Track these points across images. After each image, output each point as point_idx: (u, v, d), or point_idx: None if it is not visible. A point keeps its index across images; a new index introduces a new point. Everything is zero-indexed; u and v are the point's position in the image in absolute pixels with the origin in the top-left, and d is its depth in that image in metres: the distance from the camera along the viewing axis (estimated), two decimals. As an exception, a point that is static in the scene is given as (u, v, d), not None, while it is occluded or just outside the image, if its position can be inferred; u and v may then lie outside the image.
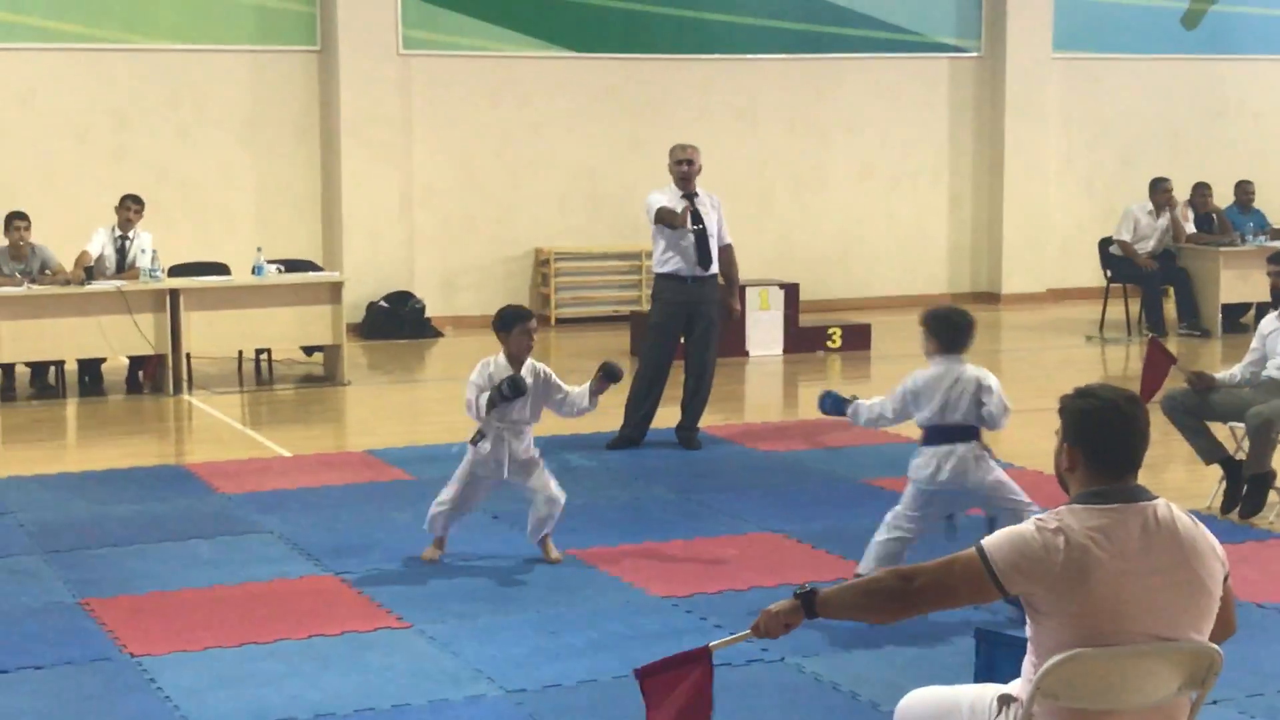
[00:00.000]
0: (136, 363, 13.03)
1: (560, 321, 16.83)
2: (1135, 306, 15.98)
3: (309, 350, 13.90)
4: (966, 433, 6.83)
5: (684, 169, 10.27)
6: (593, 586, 7.21)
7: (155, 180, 15.54)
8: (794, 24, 17.78)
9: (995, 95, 18.52)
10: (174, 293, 12.60)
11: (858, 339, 15.03)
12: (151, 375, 12.94)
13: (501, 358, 7.66)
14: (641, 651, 6.23)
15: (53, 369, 12.99)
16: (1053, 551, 3.74)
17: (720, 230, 10.36)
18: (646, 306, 16.43)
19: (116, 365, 13.21)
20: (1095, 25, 18.92)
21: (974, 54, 18.55)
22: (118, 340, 12.52)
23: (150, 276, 12.66)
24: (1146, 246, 15.78)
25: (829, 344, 14.87)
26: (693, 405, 10.44)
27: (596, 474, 9.66)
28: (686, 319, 10.26)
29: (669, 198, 10.22)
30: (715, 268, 10.27)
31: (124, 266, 13.01)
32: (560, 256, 16.89)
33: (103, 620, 6.74)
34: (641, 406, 10.39)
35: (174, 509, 8.76)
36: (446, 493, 7.68)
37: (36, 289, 12.37)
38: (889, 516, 6.93)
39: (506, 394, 7.47)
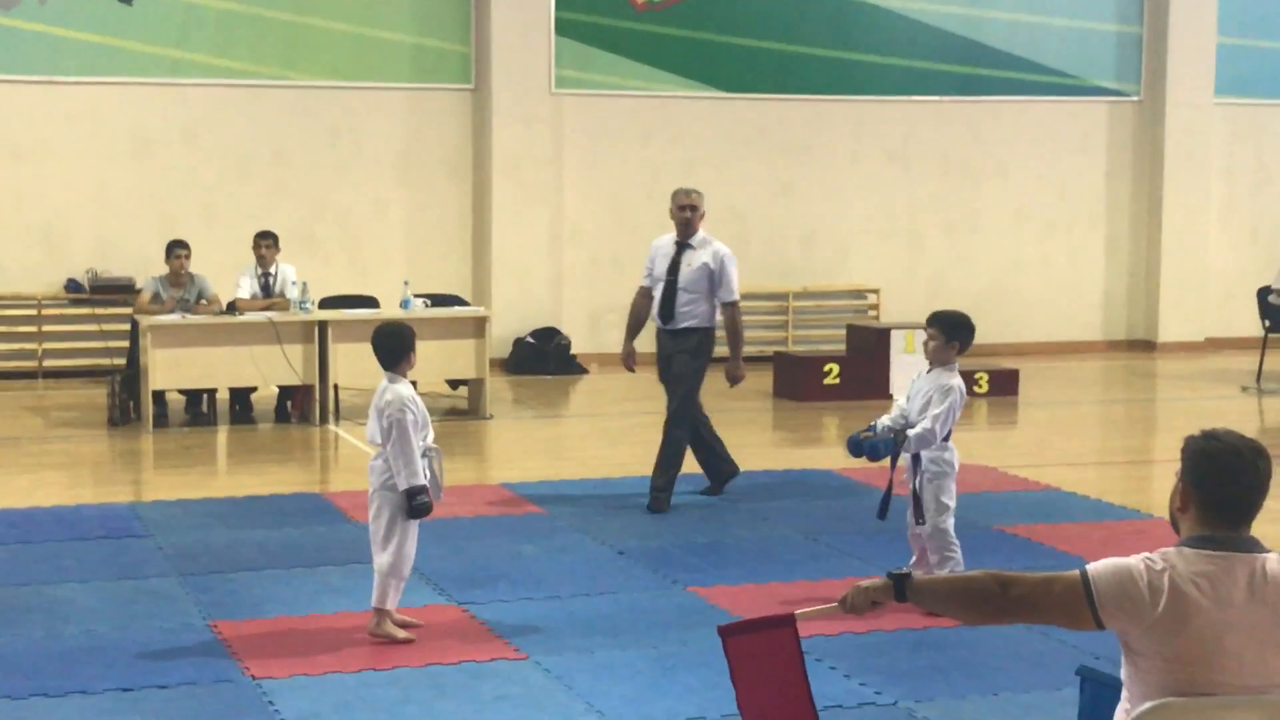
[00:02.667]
0: (286, 392, 13.29)
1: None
2: (1294, 357, 15.59)
3: (454, 384, 14.08)
4: None
5: (685, 215, 9.69)
6: (711, 624, 7.11)
7: (311, 214, 15.91)
8: (949, 65, 17.67)
9: (1154, 140, 18.22)
10: (322, 324, 12.85)
11: (1005, 385, 14.84)
12: (299, 405, 13.19)
13: (409, 387, 7.01)
14: (754, 691, 6.21)
15: (205, 397, 13.32)
16: (1156, 593, 3.66)
17: (723, 286, 9.69)
18: (793, 348, 16.43)
19: (267, 395, 13.49)
20: (1258, 70, 18.56)
21: (1134, 98, 18.28)
22: (268, 370, 12.78)
23: (300, 308, 12.92)
24: (1306, 296, 15.39)
25: (976, 389, 14.68)
26: (661, 457, 9.75)
27: (723, 512, 9.65)
28: (663, 369, 9.85)
29: (665, 244, 9.80)
30: (687, 322, 9.61)
31: (270, 302, 13.31)
32: (707, 296, 16.88)
33: (229, 643, 6.88)
34: (700, 453, 10.06)
35: (309, 537, 8.92)
36: (409, 564, 7.03)
37: (191, 318, 12.69)
38: (948, 524, 7.48)
39: (418, 512, 6.88)
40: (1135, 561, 3.73)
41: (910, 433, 7.36)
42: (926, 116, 17.68)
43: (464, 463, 11.69)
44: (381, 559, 6.90)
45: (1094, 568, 3.76)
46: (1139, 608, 3.67)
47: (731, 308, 9.77)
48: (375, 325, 7.26)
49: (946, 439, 7.45)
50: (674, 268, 9.63)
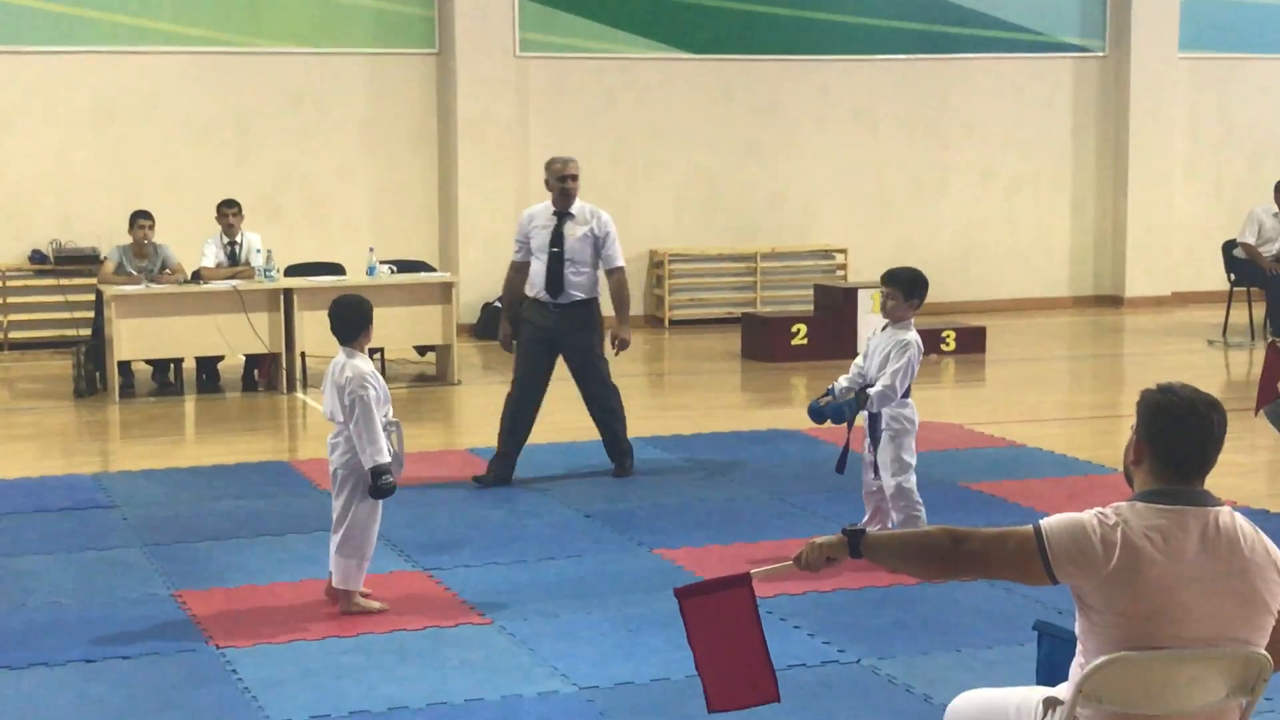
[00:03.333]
0: (253, 361, 13.25)
1: (674, 323, 16.86)
2: (1259, 311, 15.64)
3: (422, 350, 14.07)
4: None
5: (567, 185, 9.31)
6: (677, 586, 7.19)
7: (275, 182, 15.83)
8: (914, 24, 17.64)
9: (1119, 96, 18.24)
10: (288, 292, 12.80)
11: (972, 342, 14.88)
12: (266, 374, 13.16)
13: (367, 360, 6.92)
14: (718, 651, 6.23)
15: (171, 366, 13.27)
16: (1109, 547, 3.67)
17: (608, 254, 9.38)
18: (761, 309, 16.45)
19: (234, 364, 13.45)
20: (1223, 25, 18.57)
21: (1098, 54, 18.29)
22: (234, 339, 12.73)
23: (265, 276, 12.87)
24: (1271, 249, 15.45)
25: (943, 347, 14.73)
26: (610, 441, 9.58)
27: (690, 474, 9.67)
28: (550, 347, 9.38)
29: (541, 215, 9.37)
30: (577, 294, 9.28)
31: (237, 269, 13.26)
32: (675, 258, 16.92)
33: (193, 612, 6.87)
34: (508, 440, 9.43)
35: (275, 505, 8.91)
36: (372, 544, 6.94)
37: (156, 288, 12.63)
38: (910, 482, 7.51)
39: (382, 493, 6.78)
40: (1088, 516, 3.74)
41: (870, 391, 7.38)
42: (892, 75, 17.65)
43: (432, 428, 11.69)
44: (338, 538, 6.85)
45: (1047, 523, 3.77)
46: (1092, 562, 3.68)
47: (620, 273, 9.48)
48: (334, 296, 7.17)
49: (906, 395, 7.47)
50: (557, 239, 9.24)
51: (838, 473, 7.73)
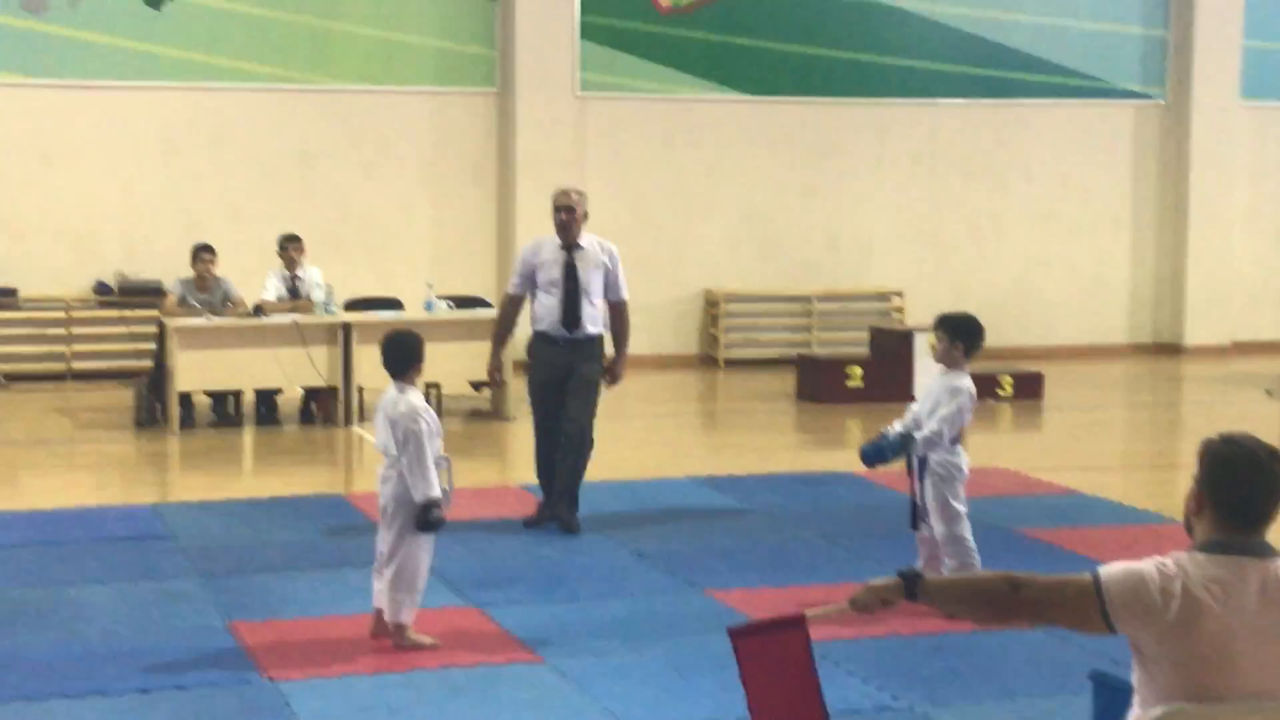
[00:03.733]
0: (311, 394, 13.34)
1: (729, 363, 16.87)
2: (1321, 361, 15.53)
3: (477, 385, 14.12)
4: None
5: (561, 218, 8.99)
6: (727, 626, 7.19)
7: (337, 217, 15.99)
8: (973, 68, 17.65)
9: (1180, 143, 18.17)
10: (346, 326, 12.89)
11: (1029, 388, 14.81)
12: (324, 407, 13.25)
13: (421, 396, 6.99)
14: (769, 694, 6.22)
15: (231, 399, 13.39)
16: (1169, 598, 3.64)
17: (614, 285, 9.17)
18: (816, 350, 16.44)
19: (292, 396, 13.55)
20: (1285, 72, 18.49)
21: (1159, 100, 18.24)
22: (293, 372, 12.83)
23: (325, 310, 12.97)
24: (1333, 299, 15.33)
25: (999, 392, 14.66)
26: (566, 483, 9.07)
27: (743, 515, 9.66)
28: (560, 386, 9.05)
29: (548, 248, 9.09)
30: (592, 329, 9.07)
31: (297, 305, 13.38)
32: (730, 298, 16.94)
33: (248, 644, 6.92)
34: (550, 484, 9.18)
35: (330, 538, 8.96)
36: (424, 578, 6.97)
37: (217, 321, 12.75)
38: (963, 530, 7.44)
39: (431, 526, 6.81)
40: (1148, 565, 3.72)
41: (917, 435, 7.35)
42: (950, 119, 17.66)
43: (485, 464, 11.73)
44: (390, 572, 6.87)
45: (1106, 571, 3.74)
46: (1150, 612, 3.66)
47: (624, 306, 9.31)
48: (386, 331, 7.21)
49: (956, 441, 7.43)
50: (570, 272, 9.00)
51: (913, 529, 7.65)
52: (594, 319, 9.10)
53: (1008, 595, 3.79)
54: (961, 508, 7.47)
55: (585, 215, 9.10)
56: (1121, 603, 3.68)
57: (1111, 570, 3.74)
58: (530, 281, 9.15)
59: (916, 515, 7.58)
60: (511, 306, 9.38)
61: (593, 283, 9.05)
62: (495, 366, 9.55)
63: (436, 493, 6.76)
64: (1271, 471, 3.74)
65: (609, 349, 9.38)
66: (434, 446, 6.83)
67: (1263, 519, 3.75)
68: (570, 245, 9.04)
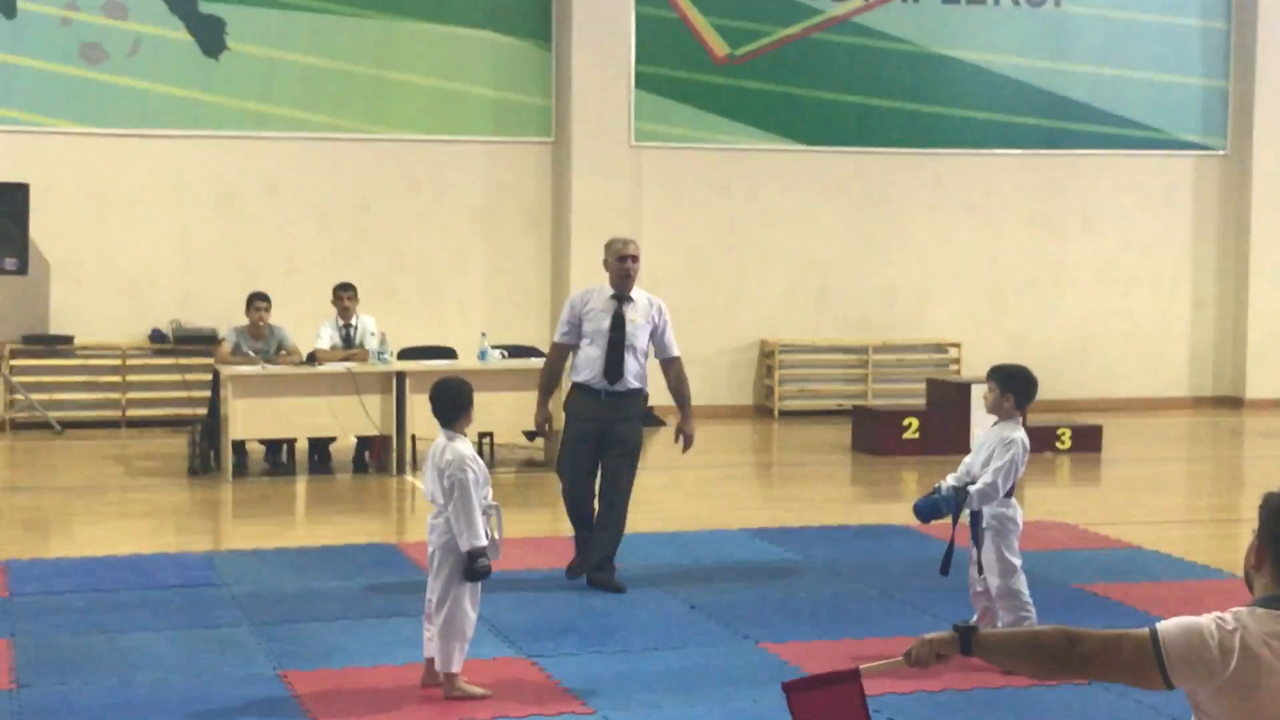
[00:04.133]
0: (364, 443, 13.34)
1: (784, 414, 16.78)
2: (1386, 414, 15.31)
3: (531, 435, 14.09)
4: None
5: (626, 266, 8.83)
6: (781, 680, 7.10)
7: (391, 266, 16.03)
8: (1031, 118, 17.57)
9: (1241, 194, 18.02)
10: (400, 375, 12.90)
11: (1088, 441, 14.65)
12: (377, 456, 13.24)
13: (469, 444, 6.94)
14: (823, 750, 6.12)
15: (284, 447, 13.41)
16: (1227, 654, 3.55)
17: (664, 342, 9.01)
18: (872, 401, 16.33)
19: (346, 445, 13.55)
20: (1347, 123, 18.31)
21: (1220, 152, 18.09)
22: (346, 420, 12.84)
23: (378, 359, 12.98)
24: (1398, 352, 15.13)
25: (1058, 445, 14.52)
26: (606, 545, 8.94)
27: (798, 568, 9.55)
28: (598, 437, 8.87)
29: (597, 298, 8.92)
30: (635, 383, 8.86)
31: (351, 353, 13.40)
32: (785, 349, 16.87)
33: (298, 692, 6.87)
34: (584, 532, 9.08)
35: (381, 587, 8.92)
36: (472, 625, 6.92)
37: (271, 369, 12.78)
38: (1019, 584, 7.35)
39: (479, 575, 6.79)
40: (1206, 621, 3.63)
41: (971, 489, 7.25)
42: (1008, 169, 17.57)
43: (539, 514, 11.67)
44: (440, 621, 6.83)
45: (1164, 626, 3.66)
46: (1209, 668, 3.57)
47: (678, 363, 9.12)
48: (435, 380, 7.19)
49: (1010, 494, 7.33)
50: (618, 323, 8.80)
51: (942, 574, 7.59)
52: (637, 374, 8.89)
53: (1064, 650, 3.71)
54: (1017, 561, 7.36)
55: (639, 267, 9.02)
56: (1180, 658, 3.59)
57: (1169, 625, 3.66)
58: (578, 331, 8.96)
59: (949, 561, 7.47)
60: (559, 355, 9.18)
61: (639, 336, 8.86)
62: (544, 418, 9.30)
63: (482, 541, 6.72)
64: None
65: (664, 405, 9.31)
66: (482, 495, 6.79)
67: None
68: (623, 296, 8.89)
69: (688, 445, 9.18)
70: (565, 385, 9.65)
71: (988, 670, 7.23)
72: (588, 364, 8.86)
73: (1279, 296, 18.06)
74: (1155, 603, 8.58)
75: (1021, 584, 7.34)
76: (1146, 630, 3.66)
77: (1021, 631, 3.91)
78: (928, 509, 7.36)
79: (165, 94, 15.56)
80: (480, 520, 6.73)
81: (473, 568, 6.70)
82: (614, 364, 8.80)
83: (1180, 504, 12.73)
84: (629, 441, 8.94)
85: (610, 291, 8.91)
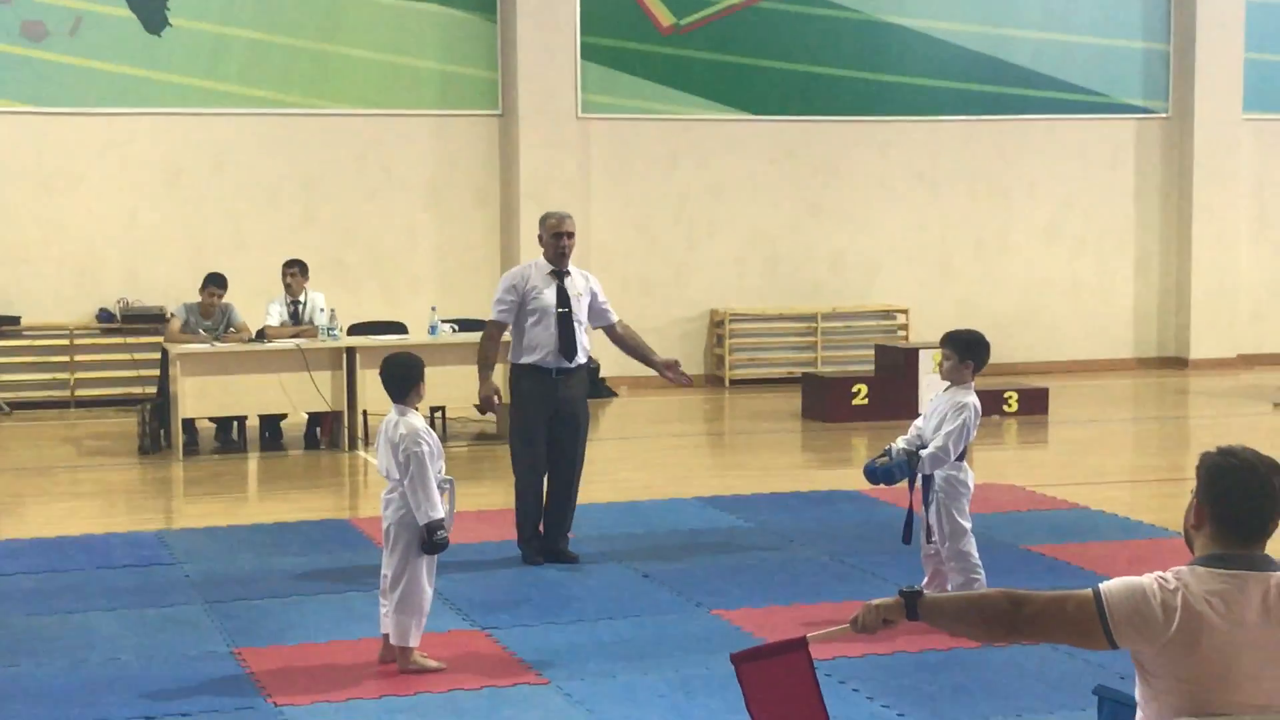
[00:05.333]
0: (315, 419, 13.33)
1: (734, 383, 16.86)
2: (1327, 373, 15.50)
3: (482, 409, 14.06)
4: None
5: (562, 243, 8.73)
6: (735, 647, 7.15)
7: (340, 241, 15.99)
8: (976, 85, 17.65)
9: (1183, 157, 18.17)
10: (350, 351, 12.89)
11: (1035, 403, 14.79)
12: (328, 432, 13.24)
13: (420, 418, 6.93)
14: (776, 714, 6.19)
15: (235, 424, 13.39)
16: (1169, 612, 3.63)
17: (603, 310, 8.96)
18: (821, 369, 16.42)
19: (297, 421, 13.54)
20: (1287, 85, 18.49)
21: (1161, 115, 18.23)
22: (297, 397, 12.83)
23: (328, 335, 12.97)
24: (1339, 311, 15.31)
25: (1005, 408, 14.64)
26: (559, 518, 8.95)
27: (749, 534, 9.63)
28: (550, 420, 8.77)
29: (536, 275, 8.79)
30: (583, 358, 8.82)
31: (300, 330, 13.38)
32: (736, 318, 16.94)
33: (252, 669, 6.90)
34: (531, 524, 8.93)
35: (335, 563, 8.94)
36: (429, 600, 6.94)
37: (221, 346, 12.75)
38: (968, 546, 7.44)
39: (435, 549, 6.80)
40: (1148, 580, 3.70)
41: (923, 453, 7.34)
42: (954, 136, 17.66)
43: (492, 487, 11.70)
44: (396, 596, 6.86)
45: (1107, 587, 3.73)
46: (1152, 627, 3.64)
47: (621, 324, 9.09)
48: (386, 355, 7.20)
49: (961, 458, 7.42)
50: (563, 299, 8.73)
51: (904, 542, 7.67)
52: (586, 347, 8.87)
53: (1009, 612, 3.77)
54: (967, 524, 7.45)
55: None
56: (1123, 617, 3.66)
57: (1112, 585, 3.72)
58: (516, 310, 8.81)
59: (911, 530, 7.56)
60: (497, 332, 8.96)
61: (582, 310, 8.81)
62: (490, 390, 8.94)
63: (440, 513, 6.75)
64: (1271, 484, 3.74)
65: (616, 376, 9.35)
66: (436, 469, 6.83)
67: (1263, 532, 3.75)
68: (562, 272, 8.82)
69: (684, 378, 9.06)
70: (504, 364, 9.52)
71: (938, 633, 7.32)
72: (538, 344, 8.72)
73: (1221, 258, 18.23)
74: (1102, 562, 8.70)
75: (971, 546, 7.43)
76: (1089, 591, 3.73)
77: (966, 595, 3.98)
78: (880, 473, 7.44)
79: (109, 71, 15.44)
80: (437, 493, 6.76)
81: (431, 540, 6.74)
82: (568, 340, 8.72)
83: (1126, 464, 12.87)
84: (580, 416, 8.91)
85: (548, 267, 8.81)
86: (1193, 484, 3.84)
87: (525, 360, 8.79)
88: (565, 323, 8.72)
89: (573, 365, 8.77)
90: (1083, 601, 3.72)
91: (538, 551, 8.92)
